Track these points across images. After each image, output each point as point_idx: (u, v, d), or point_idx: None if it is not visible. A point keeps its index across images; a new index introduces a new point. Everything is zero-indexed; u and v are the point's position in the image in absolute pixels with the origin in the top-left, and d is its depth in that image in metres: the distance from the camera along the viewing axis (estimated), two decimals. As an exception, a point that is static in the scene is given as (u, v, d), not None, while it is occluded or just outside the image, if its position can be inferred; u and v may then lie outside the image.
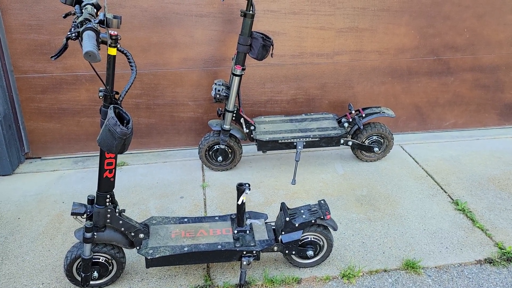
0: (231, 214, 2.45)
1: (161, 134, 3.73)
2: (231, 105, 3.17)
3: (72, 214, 2.09)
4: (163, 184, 3.25)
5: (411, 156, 3.67)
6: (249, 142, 3.59)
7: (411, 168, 3.48)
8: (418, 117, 4.04)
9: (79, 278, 2.19)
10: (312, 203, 2.40)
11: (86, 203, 2.14)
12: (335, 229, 2.34)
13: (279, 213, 2.39)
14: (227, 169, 3.44)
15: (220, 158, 3.33)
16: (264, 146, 3.30)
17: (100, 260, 2.20)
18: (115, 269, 2.26)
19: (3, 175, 3.40)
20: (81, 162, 3.61)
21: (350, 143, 3.41)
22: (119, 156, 3.63)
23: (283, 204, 2.36)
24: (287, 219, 2.26)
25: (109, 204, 2.10)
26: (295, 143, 3.29)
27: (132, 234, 2.18)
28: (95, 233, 2.10)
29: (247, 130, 3.32)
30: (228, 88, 3.17)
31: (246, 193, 2.20)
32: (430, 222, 2.81)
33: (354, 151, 3.53)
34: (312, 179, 3.31)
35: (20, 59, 3.33)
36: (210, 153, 3.36)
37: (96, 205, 2.09)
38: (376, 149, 3.44)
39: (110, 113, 1.85)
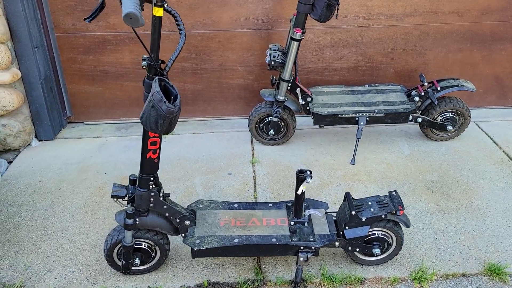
0: (287, 201, 2.16)
1: (208, 102, 3.45)
2: (287, 74, 2.81)
3: (112, 196, 1.88)
4: (210, 158, 3.01)
5: (488, 135, 3.21)
6: (303, 114, 3.25)
7: (489, 150, 3.03)
8: (498, 90, 3.51)
9: (120, 264, 2.02)
10: (382, 194, 2.07)
11: (128, 184, 1.92)
12: (407, 226, 2.01)
13: (342, 203, 2.08)
14: (279, 144, 3.13)
15: (271, 132, 3.02)
16: (322, 120, 2.95)
17: (142, 246, 2.00)
18: (158, 255, 2.06)
19: (45, 140, 3.26)
20: (124, 129, 3.42)
21: (419, 120, 2.99)
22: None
23: (347, 194, 2.05)
24: (353, 212, 1.95)
25: (152, 187, 1.86)
26: (357, 118, 2.92)
27: (177, 220, 1.96)
28: (137, 219, 1.88)
29: (303, 102, 2.98)
30: (285, 54, 2.80)
31: (307, 182, 1.89)
32: (515, 218, 2.41)
33: (423, 128, 3.12)
34: (373, 159, 2.96)
35: (61, 16, 3.09)
36: (261, 125, 3.05)
37: (138, 188, 1.86)
38: (449, 127, 3.01)
39: (155, 86, 1.57)
